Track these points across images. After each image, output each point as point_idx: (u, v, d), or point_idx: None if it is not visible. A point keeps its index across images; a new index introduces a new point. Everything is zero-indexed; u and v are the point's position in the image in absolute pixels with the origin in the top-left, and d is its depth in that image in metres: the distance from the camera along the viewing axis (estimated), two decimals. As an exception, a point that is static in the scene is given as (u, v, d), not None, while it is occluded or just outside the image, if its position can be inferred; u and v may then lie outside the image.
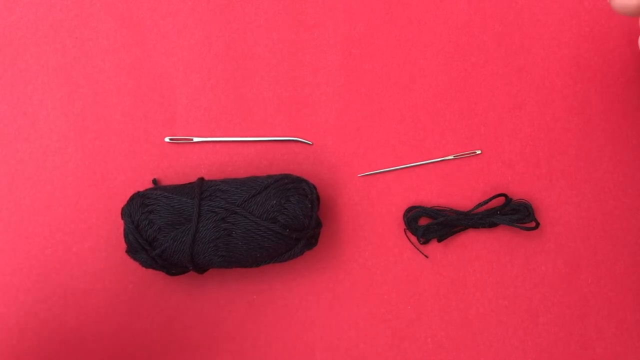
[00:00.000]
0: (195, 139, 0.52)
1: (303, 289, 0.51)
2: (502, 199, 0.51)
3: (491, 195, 0.51)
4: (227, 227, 0.45)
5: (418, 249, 0.52)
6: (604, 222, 0.52)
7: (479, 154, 0.52)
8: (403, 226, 0.52)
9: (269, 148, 0.52)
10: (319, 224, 0.49)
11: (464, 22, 0.53)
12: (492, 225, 0.51)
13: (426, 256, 0.52)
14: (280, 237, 0.46)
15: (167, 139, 0.52)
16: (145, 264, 0.47)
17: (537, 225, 0.51)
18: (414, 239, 0.52)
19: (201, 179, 0.48)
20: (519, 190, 0.52)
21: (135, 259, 0.47)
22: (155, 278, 0.51)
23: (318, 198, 0.48)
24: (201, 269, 0.48)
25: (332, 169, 0.52)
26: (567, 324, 0.51)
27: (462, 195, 0.52)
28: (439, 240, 0.51)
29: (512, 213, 0.51)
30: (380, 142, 0.52)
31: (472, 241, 0.52)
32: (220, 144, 0.52)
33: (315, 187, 0.48)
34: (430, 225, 0.51)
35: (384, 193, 0.52)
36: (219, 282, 0.51)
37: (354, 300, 0.51)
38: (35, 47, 0.52)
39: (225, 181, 0.48)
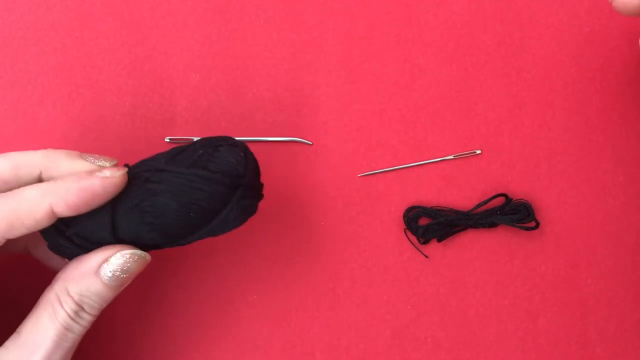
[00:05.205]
0: (195, 139, 0.52)
1: (303, 289, 0.51)
2: (502, 199, 0.51)
3: (491, 195, 0.51)
4: (152, 187, 0.39)
5: (418, 249, 0.52)
6: (604, 222, 0.52)
7: (479, 154, 0.52)
8: (403, 226, 0.52)
9: (269, 148, 0.52)
10: (257, 175, 0.42)
11: (464, 22, 0.53)
12: (492, 225, 0.51)
13: (426, 256, 0.52)
14: (211, 183, 0.39)
15: (167, 139, 0.52)
16: (65, 249, 0.40)
17: (537, 225, 0.51)
18: (414, 239, 0.52)
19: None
20: (519, 190, 0.52)
21: (54, 249, 0.40)
22: (153, 277, 0.51)
23: (253, 156, 0.42)
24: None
25: (332, 169, 0.52)
26: (567, 324, 0.51)
27: (462, 195, 0.52)
28: (439, 240, 0.51)
29: (512, 213, 0.51)
30: (380, 142, 0.52)
31: (472, 241, 0.52)
32: (220, 144, 0.52)
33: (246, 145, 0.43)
34: (430, 225, 0.51)
35: (384, 193, 0.52)
36: (218, 282, 0.51)
37: (354, 300, 0.51)
38: (35, 47, 0.52)
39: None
